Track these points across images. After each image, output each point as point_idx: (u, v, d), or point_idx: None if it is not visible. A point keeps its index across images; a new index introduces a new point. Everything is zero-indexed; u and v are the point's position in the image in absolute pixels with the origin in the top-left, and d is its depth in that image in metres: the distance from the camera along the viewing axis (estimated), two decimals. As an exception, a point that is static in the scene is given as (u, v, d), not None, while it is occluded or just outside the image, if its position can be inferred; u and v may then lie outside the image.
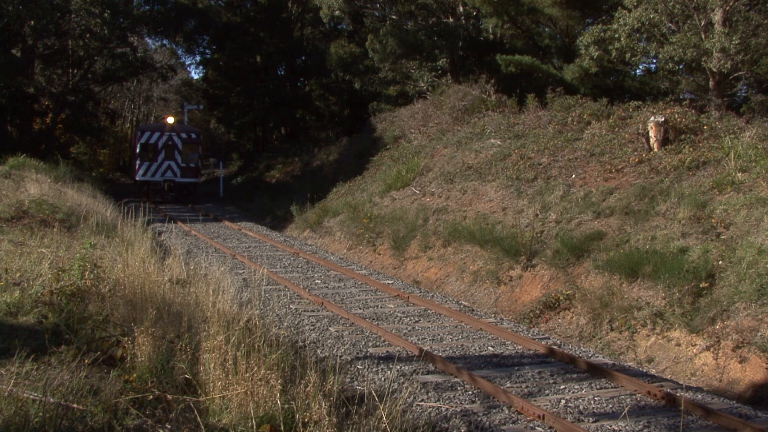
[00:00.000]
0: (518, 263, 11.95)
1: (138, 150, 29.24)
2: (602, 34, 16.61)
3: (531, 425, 6.02)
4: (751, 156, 11.06)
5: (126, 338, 5.94)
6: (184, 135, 29.89)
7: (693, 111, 14.26)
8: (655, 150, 12.95)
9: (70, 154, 38.58)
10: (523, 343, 8.60)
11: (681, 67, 16.85)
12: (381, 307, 10.54)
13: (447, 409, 6.32)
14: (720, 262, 9.06)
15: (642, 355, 8.81)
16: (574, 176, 13.73)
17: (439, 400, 6.54)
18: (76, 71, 35.27)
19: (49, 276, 7.97)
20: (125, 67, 36.13)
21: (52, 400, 4.49)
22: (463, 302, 11.56)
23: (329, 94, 39.10)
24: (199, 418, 4.57)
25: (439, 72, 26.87)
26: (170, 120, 31.16)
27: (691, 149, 12.35)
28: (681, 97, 17.96)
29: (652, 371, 8.25)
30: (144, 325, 5.82)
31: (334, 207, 20.61)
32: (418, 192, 17.72)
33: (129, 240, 9.81)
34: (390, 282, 12.75)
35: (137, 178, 29.74)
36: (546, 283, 11.21)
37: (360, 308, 10.42)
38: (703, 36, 14.87)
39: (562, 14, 21.90)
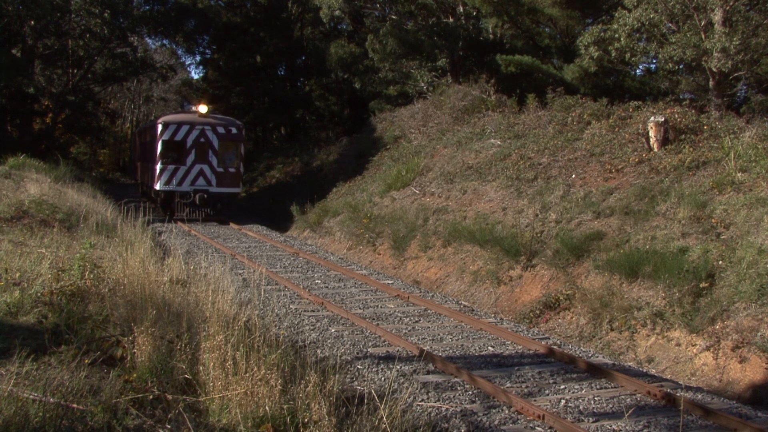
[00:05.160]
0: (518, 263, 11.94)
1: (159, 149, 22.00)
2: (602, 34, 16.61)
3: (531, 425, 6.02)
4: (751, 156, 11.06)
5: (126, 338, 5.93)
6: (221, 129, 22.43)
7: (693, 111, 14.26)
8: (655, 150, 12.95)
9: (70, 154, 38.56)
10: (523, 343, 8.60)
11: (681, 67, 16.85)
12: (381, 307, 10.54)
13: (447, 409, 6.32)
14: (720, 262, 9.06)
15: (642, 355, 8.81)
16: (574, 176, 13.73)
17: (439, 400, 6.54)
18: (76, 71, 35.28)
19: (49, 276, 7.96)
20: (125, 67, 36.16)
21: (52, 400, 4.49)
22: (463, 302, 11.55)
23: (329, 94, 39.10)
24: (205, 417, 4.57)
25: (439, 72, 26.87)
26: (202, 109, 22.81)
27: (691, 149, 12.35)
28: (681, 97, 17.96)
29: (652, 371, 8.25)
30: (144, 325, 5.82)
31: (334, 207, 20.61)
32: (418, 192, 17.71)
33: (129, 240, 9.79)
34: (390, 282, 12.75)
35: (157, 188, 22.31)
36: (546, 283, 11.21)
37: (360, 308, 10.42)
38: (703, 36, 14.87)
39: (562, 14, 21.91)
